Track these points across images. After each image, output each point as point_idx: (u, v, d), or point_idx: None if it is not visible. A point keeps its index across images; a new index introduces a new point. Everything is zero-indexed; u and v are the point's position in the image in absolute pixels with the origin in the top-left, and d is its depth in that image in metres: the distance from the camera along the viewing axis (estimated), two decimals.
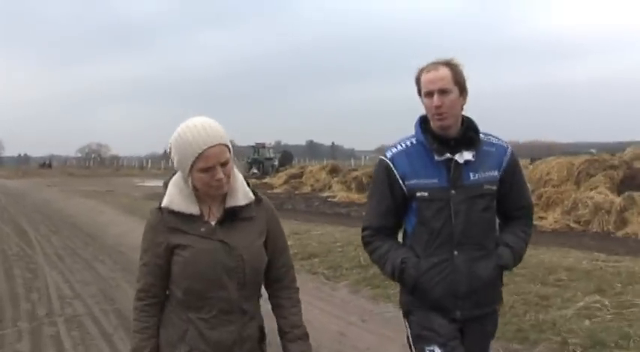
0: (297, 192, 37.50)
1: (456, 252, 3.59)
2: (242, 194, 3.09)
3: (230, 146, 3.00)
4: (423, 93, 3.62)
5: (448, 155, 3.60)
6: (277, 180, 43.35)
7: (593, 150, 40.34)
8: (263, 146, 61.86)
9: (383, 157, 3.77)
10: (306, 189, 38.33)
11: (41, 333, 7.90)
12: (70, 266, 12.73)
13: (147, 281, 3.09)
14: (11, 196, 36.25)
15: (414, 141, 3.70)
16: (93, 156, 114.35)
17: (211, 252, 3.00)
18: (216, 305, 3.02)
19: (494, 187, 3.68)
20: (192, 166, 2.93)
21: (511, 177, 3.74)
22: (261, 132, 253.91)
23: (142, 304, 3.10)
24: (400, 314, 7.85)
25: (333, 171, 39.69)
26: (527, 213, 3.89)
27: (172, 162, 3.04)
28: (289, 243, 10.68)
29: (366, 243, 3.87)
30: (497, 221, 3.82)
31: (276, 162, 57.26)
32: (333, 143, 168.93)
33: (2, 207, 28.52)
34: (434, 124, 3.61)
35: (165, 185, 3.13)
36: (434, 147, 3.60)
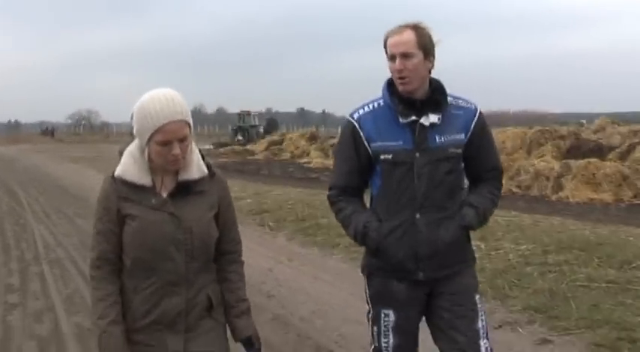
0: (276, 158, 38.65)
1: (418, 215, 3.63)
2: (196, 168, 3.10)
3: (191, 122, 3.02)
4: (387, 56, 3.65)
5: (413, 117, 3.61)
6: (258, 146, 44.64)
7: (583, 121, 41.73)
8: (248, 113, 62.63)
9: (349, 118, 3.79)
10: (286, 155, 39.57)
11: (28, 272, 9.54)
12: (54, 221, 14.40)
13: (102, 249, 3.08)
14: (3, 162, 37.78)
15: (381, 103, 3.72)
16: (83, 122, 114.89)
17: (160, 224, 3.01)
18: (163, 276, 3.04)
19: (460, 150, 3.69)
20: (150, 138, 2.94)
21: (479, 140, 3.74)
22: (252, 99, 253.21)
23: (100, 272, 3.08)
24: (316, 252, 9.71)
25: (312, 138, 41.12)
26: (495, 175, 3.89)
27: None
28: (249, 201, 12.81)
29: (331, 203, 3.93)
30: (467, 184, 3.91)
31: (261, 129, 58.24)
32: (323, 110, 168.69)
33: None
34: (399, 88, 3.63)
35: (120, 153, 3.12)
36: (399, 109, 3.62)
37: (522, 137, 24.47)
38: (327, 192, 3.93)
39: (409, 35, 3.55)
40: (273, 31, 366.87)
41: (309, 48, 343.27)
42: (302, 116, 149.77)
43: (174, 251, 3.03)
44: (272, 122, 63.80)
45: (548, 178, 19.20)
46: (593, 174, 18.11)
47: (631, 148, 21.16)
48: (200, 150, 3.19)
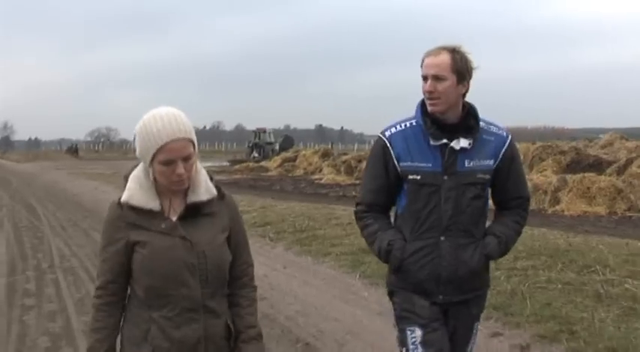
0: (289, 174, 39.11)
1: (442, 238, 3.66)
2: (204, 189, 3.02)
3: (195, 141, 2.94)
4: (421, 76, 3.67)
5: (444, 140, 3.63)
6: (272, 163, 45.10)
7: (601, 136, 42.23)
8: (264, 131, 63.57)
9: (381, 135, 3.80)
10: (299, 172, 39.94)
11: (44, 278, 10.35)
12: (70, 234, 15.22)
13: (106, 279, 3.01)
14: (22, 178, 38.84)
15: (414, 123, 3.73)
16: (102, 139, 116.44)
17: (172, 249, 2.93)
18: (178, 303, 2.94)
19: (488, 176, 3.71)
20: (153, 158, 2.86)
21: (507, 168, 3.77)
22: (270, 116, 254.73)
23: (100, 302, 3.02)
24: (310, 260, 10.45)
25: (325, 155, 41.55)
26: (521, 204, 3.91)
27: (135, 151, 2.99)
28: (254, 214, 13.69)
29: (358, 218, 3.96)
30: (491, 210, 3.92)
31: (277, 146, 58.77)
32: (342, 127, 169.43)
33: (14, 188, 31.05)
34: (428, 108, 3.66)
35: (126, 178, 3.05)
36: (431, 131, 3.63)
37: (525, 152, 25.13)
38: (355, 207, 4.01)
39: (444, 58, 3.58)
40: (292, 49, 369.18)
41: (328, 65, 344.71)
42: (320, 133, 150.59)
43: (189, 276, 2.94)
44: (288, 139, 64.43)
45: (546, 192, 19.76)
46: (588, 188, 18.66)
47: (628, 163, 21.74)
48: (208, 171, 3.13)
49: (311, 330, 7.14)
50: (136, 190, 2.97)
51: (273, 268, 10.33)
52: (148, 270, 2.94)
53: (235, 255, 3.14)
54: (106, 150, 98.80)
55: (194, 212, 3.00)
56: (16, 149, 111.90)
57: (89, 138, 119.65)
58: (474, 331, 3.93)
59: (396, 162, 3.71)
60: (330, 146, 58.13)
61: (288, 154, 46.67)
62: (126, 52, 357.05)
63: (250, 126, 72.18)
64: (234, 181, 32.81)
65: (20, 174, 43.03)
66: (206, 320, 3.00)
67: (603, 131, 57.11)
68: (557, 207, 18.67)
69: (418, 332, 3.72)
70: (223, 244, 3.07)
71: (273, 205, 17.73)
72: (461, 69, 3.59)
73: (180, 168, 2.86)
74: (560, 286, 7.61)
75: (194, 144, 2.93)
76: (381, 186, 3.81)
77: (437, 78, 3.57)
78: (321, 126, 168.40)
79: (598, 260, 8.69)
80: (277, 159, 45.84)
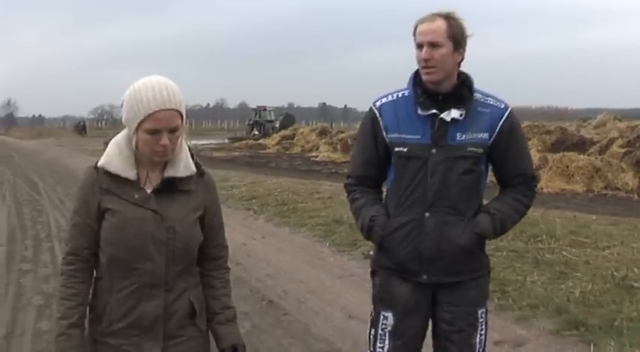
0: (287, 152, 39.47)
1: (427, 214, 3.48)
2: (184, 165, 2.96)
3: (184, 114, 2.86)
4: (415, 44, 3.49)
5: (433, 110, 3.44)
6: (271, 141, 45.40)
7: (599, 116, 42.62)
8: (264, 109, 63.85)
9: (372, 106, 3.66)
10: (297, 149, 40.24)
11: (41, 247, 11.11)
12: (68, 207, 15.84)
13: (77, 244, 2.92)
14: (25, 155, 39.59)
15: (406, 94, 3.57)
16: (105, 117, 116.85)
17: (141, 221, 2.86)
18: (141, 278, 2.88)
19: (481, 150, 3.49)
20: (139, 125, 2.79)
21: (506, 142, 3.53)
22: (274, 94, 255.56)
23: (70, 268, 2.92)
24: (287, 230, 11.30)
25: (323, 133, 41.77)
26: (524, 181, 3.66)
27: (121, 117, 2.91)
28: (243, 189, 14.64)
29: (347, 192, 3.83)
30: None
31: (277, 124, 58.85)
32: (345, 105, 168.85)
33: (16, 164, 31.79)
34: (423, 77, 3.47)
35: (106, 144, 2.98)
36: (420, 100, 3.47)
37: None
38: (345, 180, 3.87)
39: (440, 24, 3.40)
40: (295, 26, 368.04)
41: (332, 43, 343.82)
42: (323, 111, 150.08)
43: (155, 251, 2.87)
44: (288, 117, 64.68)
45: None
46: (567, 166, 19.34)
47: (610, 143, 22.37)
48: (190, 149, 3.06)
49: (277, 290, 7.93)
50: (114, 156, 2.91)
51: (252, 237, 11.15)
52: (114, 240, 2.88)
53: (210, 235, 3.08)
54: (109, 127, 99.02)
55: (170, 187, 2.94)
56: (20, 126, 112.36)
57: (92, 116, 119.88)
58: (480, 319, 3.61)
59: (384, 134, 3.57)
60: (330, 125, 58.62)
61: (287, 132, 46.97)
62: (128, 29, 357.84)
63: (254, 104, 72.56)
64: (231, 158, 33.48)
65: (23, 151, 43.80)
66: (167, 298, 2.93)
67: (607, 112, 57.10)
68: (538, 185, 19.30)
69: (390, 320, 3.60)
70: (195, 223, 3.00)
71: (262, 181, 18.60)
72: (457, 35, 3.42)
73: (165, 139, 2.80)
74: (505, 253, 8.38)
75: (182, 117, 2.86)
76: (371, 158, 3.66)
77: (433, 45, 3.39)
78: (324, 104, 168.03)
79: (546, 230, 9.50)
80: (276, 137, 46.21)
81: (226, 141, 54.07)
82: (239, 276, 8.50)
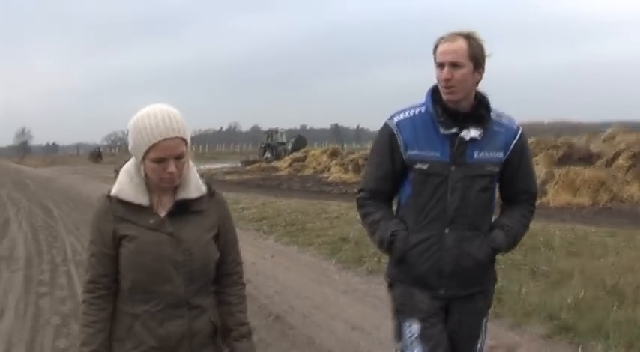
0: (299, 173, 39.68)
1: (447, 230, 3.55)
2: (194, 187, 3.02)
3: (188, 140, 2.91)
4: (436, 63, 3.53)
5: (455, 130, 3.51)
6: (282, 163, 45.75)
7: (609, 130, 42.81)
8: (276, 131, 64.41)
9: (388, 122, 3.68)
10: (309, 171, 40.37)
11: (57, 270, 11.44)
12: (83, 232, 16.18)
13: (96, 273, 2.97)
14: (39, 182, 39.90)
15: (423, 111, 3.61)
16: (119, 143, 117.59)
17: (158, 245, 2.92)
18: (163, 299, 2.94)
19: (497, 169, 3.60)
20: (145, 154, 2.85)
21: (517, 161, 3.66)
22: (286, 116, 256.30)
23: (91, 296, 2.97)
24: (295, 249, 11.67)
25: (334, 154, 41.83)
26: (529, 198, 3.81)
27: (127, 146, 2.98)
28: (253, 210, 15.04)
29: (360, 205, 3.84)
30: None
31: (289, 147, 59.31)
32: (358, 126, 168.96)
33: (32, 191, 32.15)
34: (444, 97, 3.52)
35: (117, 172, 3.04)
36: (442, 120, 3.52)
37: None
38: (357, 194, 3.88)
39: (461, 44, 3.45)
40: (307, 48, 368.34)
41: (344, 64, 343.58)
42: (336, 132, 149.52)
43: (174, 273, 2.94)
44: (300, 139, 64.98)
45: None
46: (573, 180, 19.62)
47: (616, 156, 22.60)
48: (197, 170, 3.11)
49: (283, 306, 8.25)
50: (126, 184, 2.97)
51: (262, 257, 11.52)
52: (133, 265, 2.93)
53: (224, 253, 3.13)
54: (123, 154, 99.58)
55: (183, 209, 2.99)
56: (34, 154, 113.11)
57: (105, 142, 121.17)
58: (483, 328, 3.80)
59: (402, 150, 3.60)
60: (341, 146, 58.84)
61: (298, 154, 47.27)
62: (140, 55, 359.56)
63: (266, 126, 72.68)
64: (243, 181, 33.90)
65: (38, 179, 44.25)
66: (190, 317, 2.99)
67: (620, 124, 56.77)
68: (544, 199, 19.51)
69: (415, 327, 3.64)
70: (210, 242, 3.06)
71: (273, 202, 19.00)
72: (477, 55, 3.48)
73: (172, 167, 2.85)
74: (503, 266, 8.65)
75: (186, 143, 2.90)
76: (387, 173, 3.69)
77: (454, 65, 3.45)
78: (337, 125, 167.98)
79: (545, 242, 9.81)
80: (287, 159, 46.48)
81: (239, 164, 54.47)
82: (249, 293, 8.57)
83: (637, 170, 19.74)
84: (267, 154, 59.61)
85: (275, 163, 47.71)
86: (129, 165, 3.01)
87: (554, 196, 19.37)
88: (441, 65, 3.48)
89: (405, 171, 3.63)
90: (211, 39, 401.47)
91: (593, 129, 50.04)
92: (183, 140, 2.87)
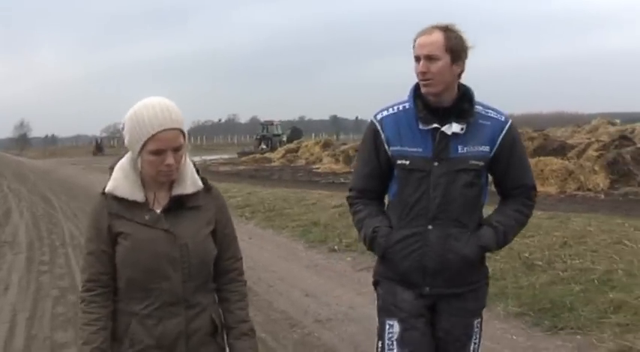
0: (291, 164, 40.20)
1: (430, 227, 3.47)
2: (190, 182, 2.96)
3: (185, 132, 2.87)
4: (413, 56, 3.48)
5: (435, 125, 3.44)
6: (276, 154, 46.23)
7: (617, 121, 43.55)
8: (271, 123, 65.21)
9: (372, 119, 3.64)
10: (301, 162, 40.86)
11: (57, 252, 12.64)
12: (81, 219, 17.23)
13: (95, 270, 2.92)
14: (39, 174, 41.08)
15: (407, 107, 3.55)
16: (117, 135, 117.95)
17: (154, 242, 2.87)
18: (160, 297, 2.89)
19: (482, 163, 3.50)
20: (142, 147, 2.79)
21: (507, 155, 3.54)
22: (285, 108, 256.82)
23: (90, 294, 2.92)
24: (271, 232, 13.05)
25: (326, 145, 42.51)
26: (524, 192, 3.67)
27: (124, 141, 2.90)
28: (239, 198, 16.62)
29: (349, 204, 3.81)
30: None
31: (285, 138, 60.20)
32: (357, 117, 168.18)
33: (32, 182, 33.24)
34: (422, 90, 3.47)
35: (111, 168, 2.98)
36: (421, 115, 3.46)
37: None
38: (347, 193, 3.85)
39: (437, 37, 3.38)
40: (306, 40, 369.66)
41: (343, 55, 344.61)
42: (335, 123, 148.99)
43: (170, 270, 2.88)
44: (296, 131, 65.49)
45: None
46: (542, 170, 20.65)
47: (587, 147, 23.67)
48: (195, 164, 3.07)
49: (253, 278, 9.42)
50: (121, 180, 2.91)
51: (241, 239, 12.26)
52: (129, 263, 2.88)
53: (222, 248, 3.07)
54: (122, 146, 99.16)
55: (179, 204, 2.94)
56: (34, 146, 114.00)
57: (104, 134, 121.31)
58: (475, 329, 3.66)
59: (386, 147, 3.55)
60: (336, 136, 59.33)
61: (291, 145, 47.87)
62: (140, 48, 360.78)
63: (265, 118, 72.97)
64: (236, 172, 34.65)
65: (37, 170, 45.33)
66: (188, 315, 2.94)
67: (621, 116, 57.07)
68: None
69: (396, 328, 3.58)
70: (207, 238, 2.99)
71: (258, 191, 20.27)
72: (455, 47, 3.40)
73: (170, 159, 2.80)
74: None
75: (184, 135, 2.86)
76: (373, 171, 3.65)
77: (430, 58, 3.39)
78: (335, 116, 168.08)
79: None
80: (281, 151, 46.99)
81: (235, 155, 55.12)
82: None
83: (603, 160, 20.71)
84: (263, 146, 59.88)
85: (269, 154, 48.17)
86: (124, 162, 2.97)
87: None
88: (417, 58, 3.46)
89: (391, 168, 3.60)
90: (211, 32, 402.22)
91: (589, 120, 50.66)
92: (182, 132, 2.84)
